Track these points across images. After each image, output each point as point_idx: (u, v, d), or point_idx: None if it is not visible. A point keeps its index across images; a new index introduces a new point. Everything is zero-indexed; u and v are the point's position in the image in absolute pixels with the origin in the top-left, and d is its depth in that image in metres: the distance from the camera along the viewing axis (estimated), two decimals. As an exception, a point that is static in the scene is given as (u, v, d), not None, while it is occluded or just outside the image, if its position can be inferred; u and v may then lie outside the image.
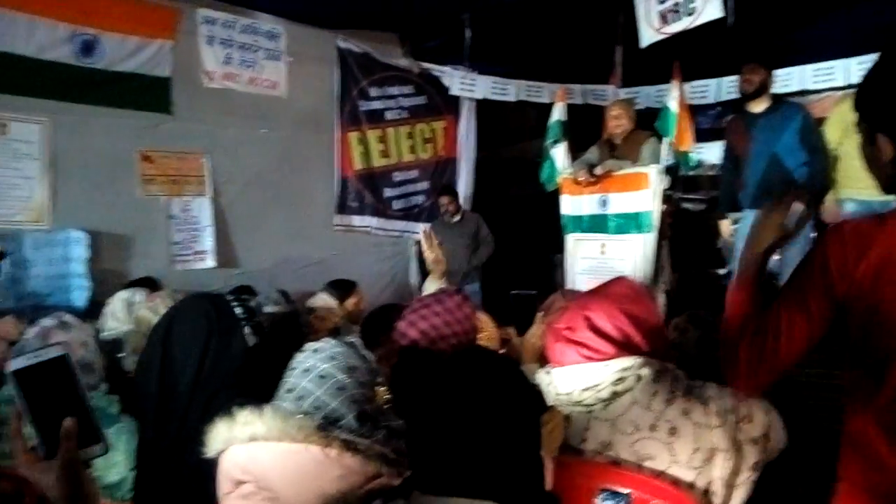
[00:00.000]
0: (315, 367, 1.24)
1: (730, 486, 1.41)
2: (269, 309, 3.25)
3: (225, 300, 1.80)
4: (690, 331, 1.98)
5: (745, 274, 1.29)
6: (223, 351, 1.57)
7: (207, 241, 4.88)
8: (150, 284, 3.43)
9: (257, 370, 1.69)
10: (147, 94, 4.60)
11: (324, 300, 4.13)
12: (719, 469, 1.40)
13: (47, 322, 2.06)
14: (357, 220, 5.88)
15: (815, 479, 1.46)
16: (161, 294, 2.43)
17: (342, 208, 5.81)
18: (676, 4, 4.47)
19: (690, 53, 4.99)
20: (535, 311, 1.96)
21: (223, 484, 1.20)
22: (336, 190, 5.76)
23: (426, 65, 5.97)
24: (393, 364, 1.80)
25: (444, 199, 5.66)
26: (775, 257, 4.44)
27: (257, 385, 1.62)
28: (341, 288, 4.22)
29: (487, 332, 2.73)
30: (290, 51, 5.33)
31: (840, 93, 4.95)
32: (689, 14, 4.40)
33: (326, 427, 1.15)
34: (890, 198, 1.20)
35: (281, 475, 1.14)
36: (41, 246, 4.19)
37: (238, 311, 1.81)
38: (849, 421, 1.24)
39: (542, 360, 1.89)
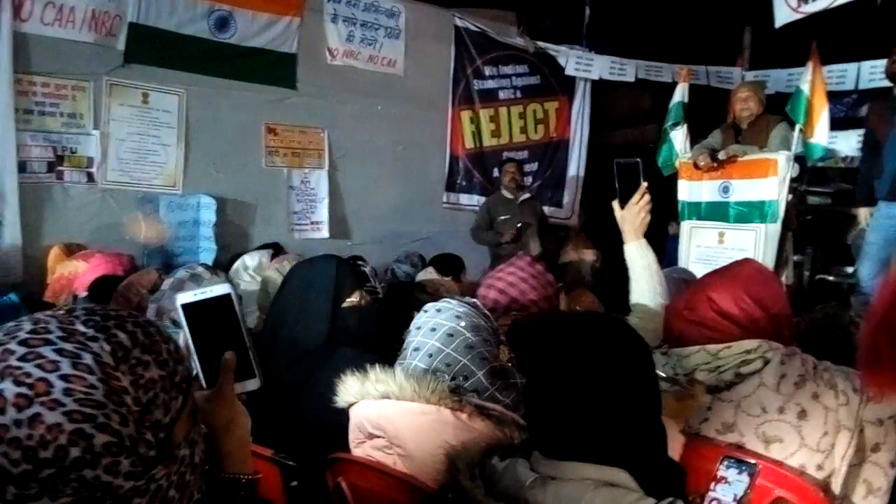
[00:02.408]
0: (442, 325, 1.26)
1: (851, 465, 1.36)
2: (404, 269, 3.34)
3: (351, 263, 1.88)
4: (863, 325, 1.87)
5: None
6: (353, 310, 1.64)
7: (323, 212, 5.08)
8: (276, 249, 3.61)
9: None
10: (274, 69, 4.82)
11: (431, 274, 4.18)
12: (841, 447, 1.36)
13: (181, 273, 2.22)
14: (465, 199, 5.92)
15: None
16: (288, 257, 2.55)
17: (451, 186, 5.87)
18: (818, -20, 4.17)
19: (829, 35, 4.65)
20: (638, 179, 1.82)
21: (353, 434, 1.25)
22: (446, 168, 5.82)
23: (542, 44, 5.89)
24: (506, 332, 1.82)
25: (510, 167, 5.22)
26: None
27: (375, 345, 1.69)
28: (452, 264, 4.24)
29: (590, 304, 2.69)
30: (409, 29, 5.42)
31: None
32: (833, -9, 4.09)
33: (459, 390, 1.17)
34: None
35: (413, 434, 1.17)
36: (174, 209, 4.51)
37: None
38: None
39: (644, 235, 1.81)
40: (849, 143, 5.60)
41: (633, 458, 1.00)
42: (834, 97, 5.69)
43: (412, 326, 1.39)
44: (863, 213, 4.08)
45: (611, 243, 1.92)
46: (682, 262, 4.30)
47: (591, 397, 1.01)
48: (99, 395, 0.64)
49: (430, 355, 1.24)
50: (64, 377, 0.64)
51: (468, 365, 1.20)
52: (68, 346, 0.66)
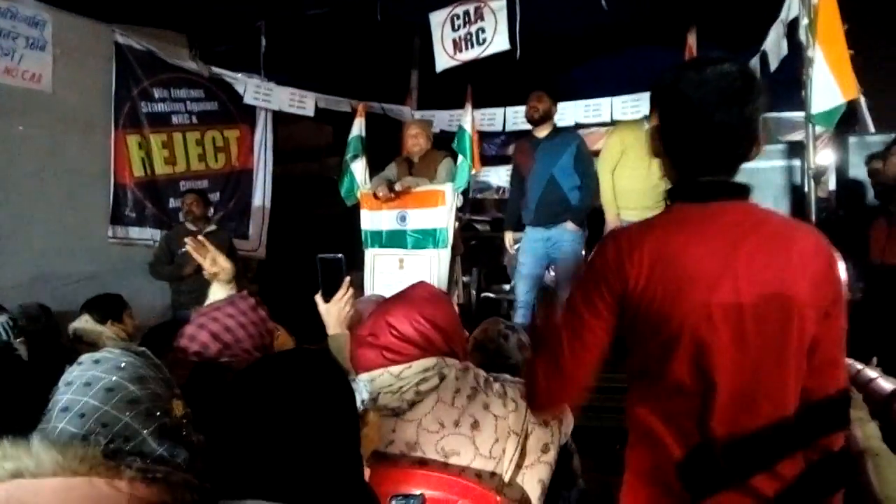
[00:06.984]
0: (99, 378, 1.07)
1: (518, 466, 1.49)
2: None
3: None
4: (511, 335, 2.05)
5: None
6: None
7: (-56, 253, 4.14)
8: None
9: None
10: None
11: (87, 322, 3.73)
12: (510, 451, 1.48)
13: None
14: (136, 233, 5.37)
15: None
16: None
17: (118, 219, 5.27)
18: (469, 34, 4.73)
19: (482, 82, 5.31)
20: (341, 274, 1.87)
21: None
22: (110, 198, 5.22)
23: (217, 70, 5.63)
24: (183, 381, 1.64)
25: (189, 198, 5.00)
26: (550, 274, 4.75)
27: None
28: (110, 307, 3.84)
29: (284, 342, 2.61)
30: (58, 41, 4.75)
31: (605, 129, 5.55)
32: (481, 44, 4.69)
33: (115, 454, 0.99)
34: (656, 211, 1.34)
35: None
36: None
37: None
38: (632, 412, 1.32)
39: (349, 328, 1.84)
40: (499, 177, 6.46)
41: (332, 491, 0.96)
42: (486, 137, 6.53)
43: (61, 383, 1.15)
44: (508, 236, 4.70)
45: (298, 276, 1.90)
46: (367, 290, 4.46)
47: (288, 433, 0.96)
48: None
49: (83, 415, 1.03)
50: None
51: (130, 423, 1.02)
52: None
